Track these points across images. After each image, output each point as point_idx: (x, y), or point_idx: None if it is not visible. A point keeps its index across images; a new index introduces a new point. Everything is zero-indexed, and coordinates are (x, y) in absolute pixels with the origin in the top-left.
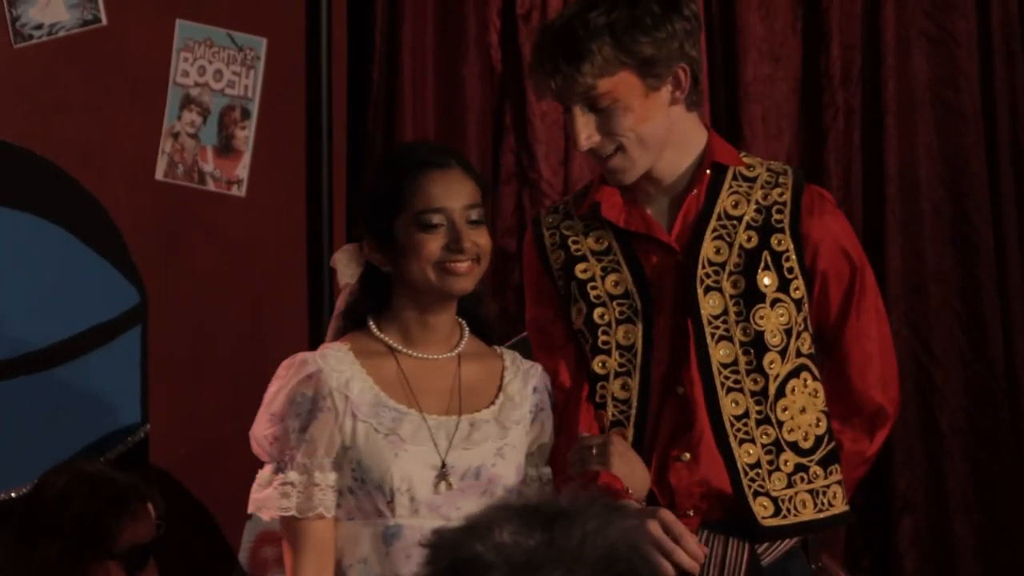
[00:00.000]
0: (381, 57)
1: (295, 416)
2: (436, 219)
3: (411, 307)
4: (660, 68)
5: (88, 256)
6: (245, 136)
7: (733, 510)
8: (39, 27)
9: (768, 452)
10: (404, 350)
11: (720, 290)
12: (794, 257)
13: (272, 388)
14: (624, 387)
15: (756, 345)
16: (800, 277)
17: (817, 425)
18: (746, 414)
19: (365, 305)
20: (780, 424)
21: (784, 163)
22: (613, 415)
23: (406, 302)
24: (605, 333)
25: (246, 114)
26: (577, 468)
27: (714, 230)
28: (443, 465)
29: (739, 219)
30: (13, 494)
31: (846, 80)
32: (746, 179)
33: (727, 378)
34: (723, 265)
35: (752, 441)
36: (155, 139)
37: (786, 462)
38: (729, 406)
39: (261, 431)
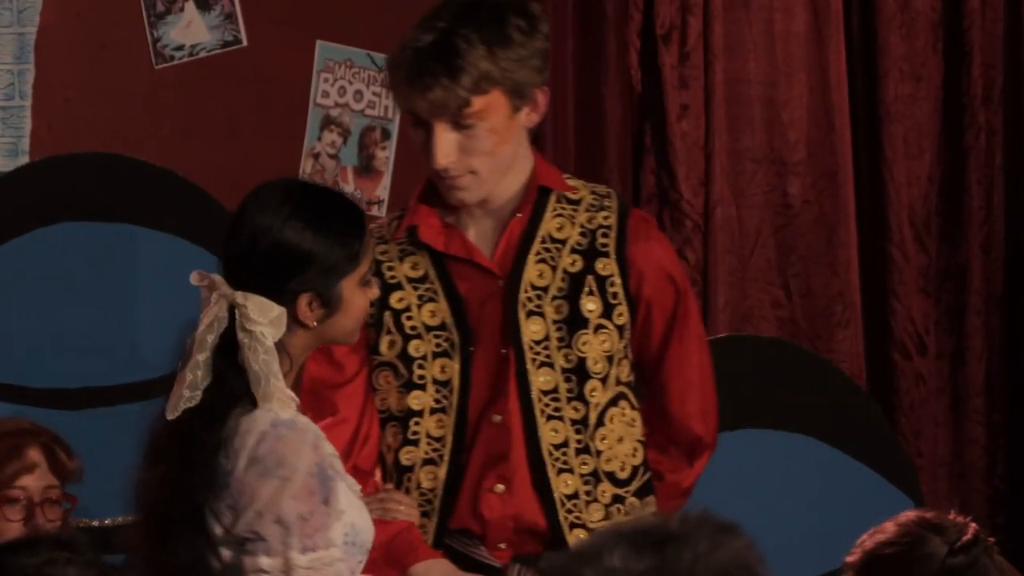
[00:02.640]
0: None
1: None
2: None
3: None
4: (526, 89)
5: None
6: (385, 156)
7: (548, 543)
8: (180, 48)
9: (586, 483)
10: None
11: (542, 315)
12: (619, 282)
13: None
14: (439, 424)
15: (578, 372)
16: (624, 303)
17: (634, 455)
18: (565, 443)
19: None
20: (599, 454)
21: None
22: (426, 453)
23: None
24: (421, 367)
25: (386, 134)
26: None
27: (537, 253)
28: None
29: (563, 242)
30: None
31: (987, 99)
32: (570, 202)
33: (547, 406)
34: (546, 289)
35: (571, 471)
36: (296, 160)
37: (604, 493)
38: (548, 435)
39: None
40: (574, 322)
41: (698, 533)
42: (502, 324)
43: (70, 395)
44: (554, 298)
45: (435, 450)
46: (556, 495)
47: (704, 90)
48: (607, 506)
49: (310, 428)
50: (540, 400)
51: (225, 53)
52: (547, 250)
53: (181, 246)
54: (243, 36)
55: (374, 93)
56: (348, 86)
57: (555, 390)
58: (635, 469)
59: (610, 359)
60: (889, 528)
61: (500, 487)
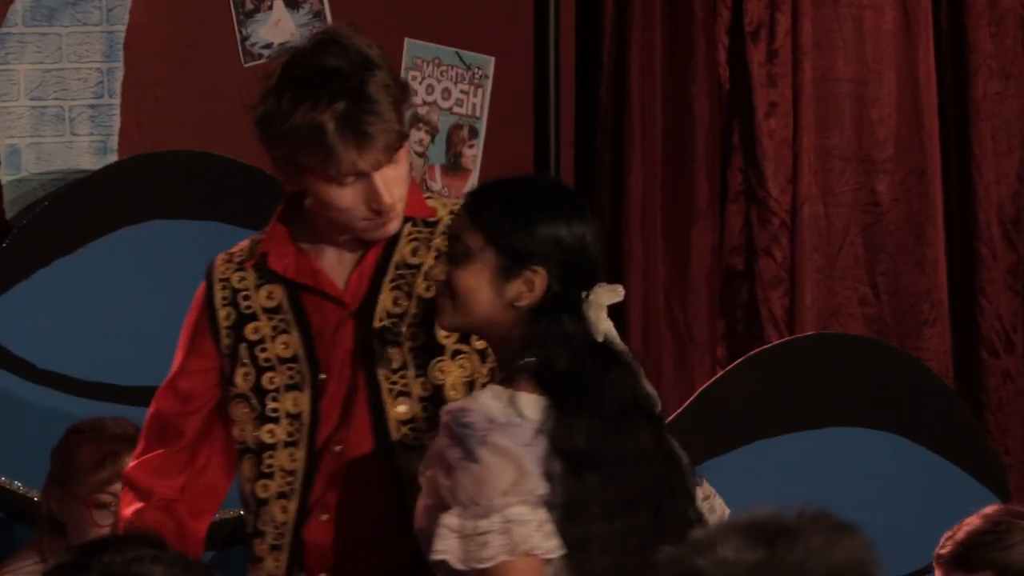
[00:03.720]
0: (609, 77)
1: None
2: None
3: None
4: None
5: None
6: (473, 155)
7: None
8: (268, 46)
9: None
10: None
11: (399, 343)
12: None
13: None
14: (292, 458)
15: (436, 400)
16: None
17: None
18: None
19: None
20: None
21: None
22: (280, 486)
23: None
24: (274, 400)
25: (474, 133)
26: None
27: (393, 280)
28: None
29: (418, 268)
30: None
31: None
32: (427, 225)
33: (406, 436)
34: (402, 316)
35: None
36: None
37: None
38: (408, 465)
39: None
40: (430, 349)
41: (813, 529)
42: (357, 353)
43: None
44: (410, 325)
45: (288, 483)
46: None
47: (792, 88)
48: None
49: None
50: (398, 430)
51: None
52: (402, 276)
53: None
54: None
55: (462, 91)
56: (436, 84)
57: (413, 419)
58: None
59: (470, 385)
60: (976, 521)
61: (324, 517)
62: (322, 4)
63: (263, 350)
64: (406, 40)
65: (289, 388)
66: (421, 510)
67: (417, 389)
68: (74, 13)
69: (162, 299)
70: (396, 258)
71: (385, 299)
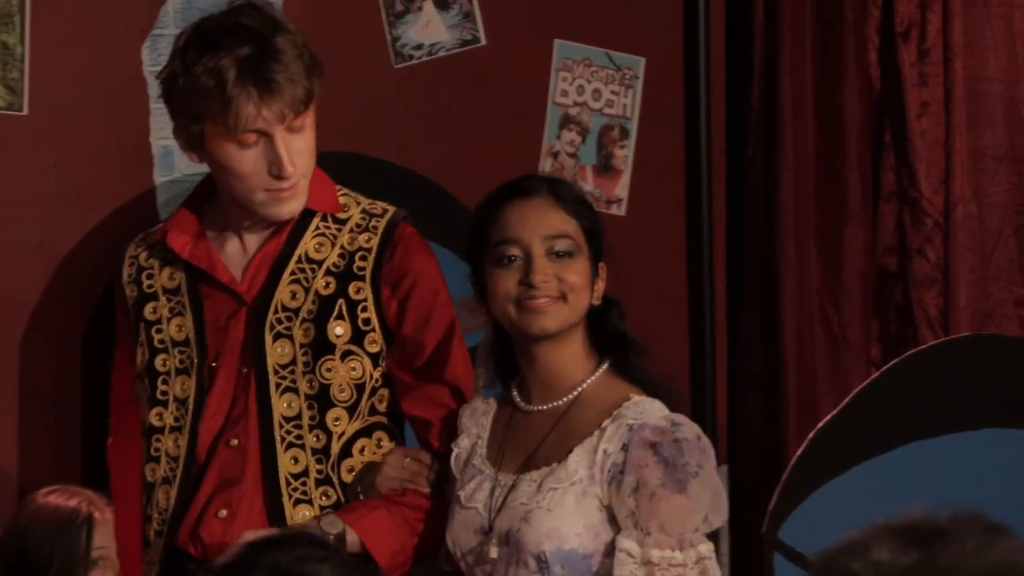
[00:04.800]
0: (760, 80)
1: None
2: (511, 250)
3: (521, 355)
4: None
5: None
6: (624, 156)
7: None
8: (419, 47)
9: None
10: (521, 404)
11: (291, 338)
12: (372, 308)
13: None
14: (176, 443)
15: (321, 399)
16: (378, 330)
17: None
18: (305, 472)
19: (497, 360)
20: (344, 486)
21: None
22: (164, 472)
23: (517, 350)
24: (164, 383)
25: (625, 133)
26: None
27: (292, 273)
28: (489, 529)
29: (320, 263)
30: None
31: None
32: (336, 221)
33: (288, 432)
34: (296, 311)
35: (310, 503)
36: (534, 158)
37: None
38: (288, 463)
39: None
40: (320, 347)
41: (967, 531)
42: (248, 344)
43: None
44: (304, 321)
45: (171, 469)
46: (292, 525)
47: (944, 87)
48: None
49: (460, 413)
50: (281, 426)
51: (464, 52)
52: (302, 270)
53: None
54: (482, 35)
55: (612, 92)
56: (586, 85)
57: (298, 416)
58: None
59: (360, 387)
60: None
61: (223, 512)
62: (472, 5)
63: (159, 331)
64: (556, 41)
65: (179, 372)
66: (579, 530)
67: (304, 386)
68: None
69: None
70: (299, 251)
71: (282, 292)
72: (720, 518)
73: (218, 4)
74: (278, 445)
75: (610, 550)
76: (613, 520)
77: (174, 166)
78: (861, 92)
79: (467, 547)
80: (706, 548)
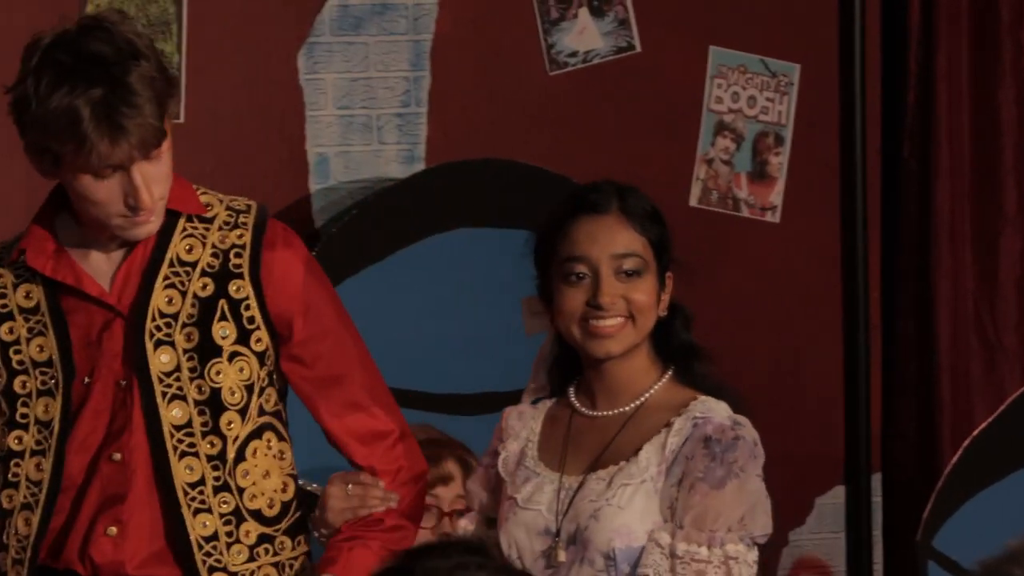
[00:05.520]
0: (916, 82)
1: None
2: (579, 268)
3: (586, 364)
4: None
5: None
6: (779, 162)
7: None
8: (574, 54)
9: (227, 523)
10: (582, 409)
11: (173, 344)
12: (255, 305)
13: None
14: (39, 467)
15: (213, 404)
16: (263, 327)
17: (284, 491)
18: (202, 481)
19: (558, 363)
20: (241, 491)
21: None
22: (24, 497)
23: (583, 358)
24: (24, 405)
25: (779, 140)
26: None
27: (166, 278)
28: (557, 532)
29: (193, 265)
30: None
31: None
32: (203, 220)
33: (180, 441)
34: (176, 316)
35: (209, 511)
36: (688, 165)
37: (248, 533)
38: (183, 472)
39: None
40: (206, 350)
41: None
42: (127, 355)
43: (468, 400)
44: (184, 325)
45: (32, 495)
46: (192, 537)
47: None
48: (252, 547)
49: (505, 417)
50: (173, 436)
51: (618, 59)
52: (176, 274)
53: None
54: (636, 42)
55: (767, 99)
56: (741, 91)
57: (188, 424)
58: (285, 506)
59: (250, 388)
60: None
61: (113, 530)
62: (627, 12)
63: (17, 352)
64: (711, 48)
65: (41, 394)
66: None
67: (192, 392)
68: (380, 22)
69: (469, 307)
70: (170, 254)
71: (158, 298)
72: (761, 528)
73: (373, 12)
74: (171, 455)
75: None
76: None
77: (329, 174)
78: (1018, 94)
79: (528, 548)
80: (736, 549)
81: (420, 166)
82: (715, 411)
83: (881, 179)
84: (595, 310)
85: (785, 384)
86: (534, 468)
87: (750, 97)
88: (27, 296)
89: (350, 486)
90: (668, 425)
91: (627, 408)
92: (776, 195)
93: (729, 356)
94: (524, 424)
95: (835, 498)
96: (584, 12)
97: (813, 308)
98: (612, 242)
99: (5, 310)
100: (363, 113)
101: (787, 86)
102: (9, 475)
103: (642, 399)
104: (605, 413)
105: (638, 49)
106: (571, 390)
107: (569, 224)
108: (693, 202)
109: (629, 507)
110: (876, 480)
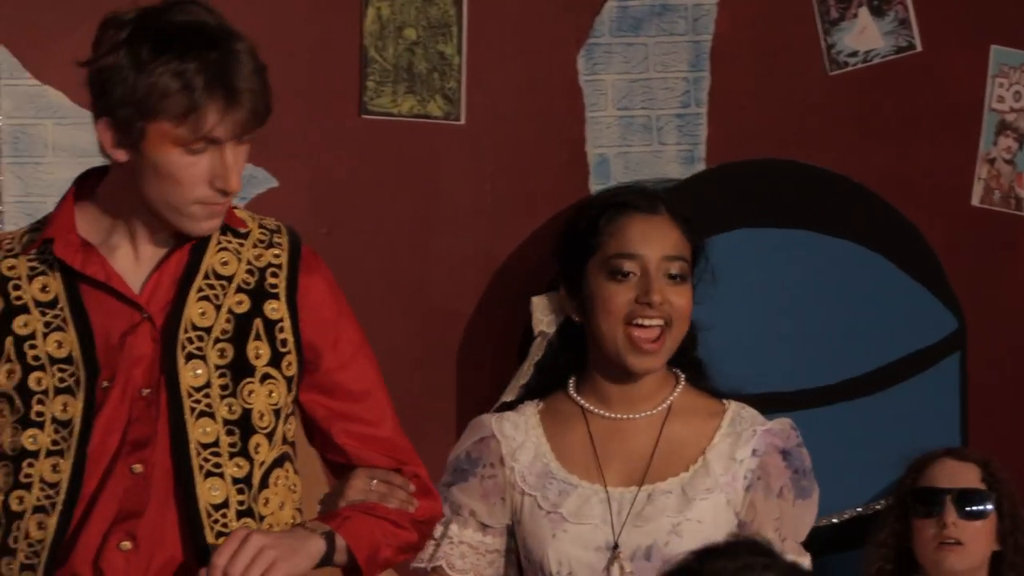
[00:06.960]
0: None
1: (451, 472)
2: (628, 266)
3: (605, 363)
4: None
5: (905, 283)
6: None
7: None
8: (854, 54)
9: None
10: (597, 411)
11: (204, 359)
12: (288, 328)
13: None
14: (55, 468)
15: (243, 425)
16: (294, 352)
17: (294, 524)
18: (226, 503)
19: (562, 361)
20: (262, 519)
21: None
22: (38, 499)
23: (599, 358)
24: (40, 403)
25: None
26: None
27: (200, 289)
28: (615, 546)
29: (229, 279)
30: (835, 519)
31: None
32: (236, 235)
33: (207, 460)
34: (208, 330)
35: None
36: (970, 165)
37: None
38: (207, 493)
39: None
40: (240, 369)
41: None
42: (150, 364)
43: (749, 400)
44: (217, 340)
45: (48, 497)
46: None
47: None
48: None
49: (486, 427)
50: (199, 454)
51: (898, 59)
52: (211, 287)
53: (860, 253)
54: (917, 41)
55: None
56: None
57: (216, 443)
58: None
59: (277, 413)
60: None
61: (127, 544)
62: (907, 11)
63: (32, 347)
64: (992, 47)
65: (59, 391)
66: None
67: (222, 411)
68: (660, 23)
69: (751, 307)
70: (205, 266)
71: (191, 310)
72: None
73: (652, 13)
74: (196, 473)
75: None
76: (740, 525)
77: (610, 174)
78: None
79: (583, 563)
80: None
81: (700, 166)
82: (761, 418)
83: None
84: (645, 307)
85: None
86: (566, 479)
87: None
88: (43, 289)
89: (375, 481)
90: (724, 434)
91: (652, 412)
92: None
93: (1016, 359)
94: (520, 431)
95: None
96: (864, 12)
97: None
98: (665, 243)
99: (19, 302)
100: (643, 114)
101: None
102: (20, 476)
103: (666, 403)
104: (628, 416)
105: (919, 48)
106: (571, 389)
107: (618, 221)
108: (975, 201)
109: (708, 521)
110: None
